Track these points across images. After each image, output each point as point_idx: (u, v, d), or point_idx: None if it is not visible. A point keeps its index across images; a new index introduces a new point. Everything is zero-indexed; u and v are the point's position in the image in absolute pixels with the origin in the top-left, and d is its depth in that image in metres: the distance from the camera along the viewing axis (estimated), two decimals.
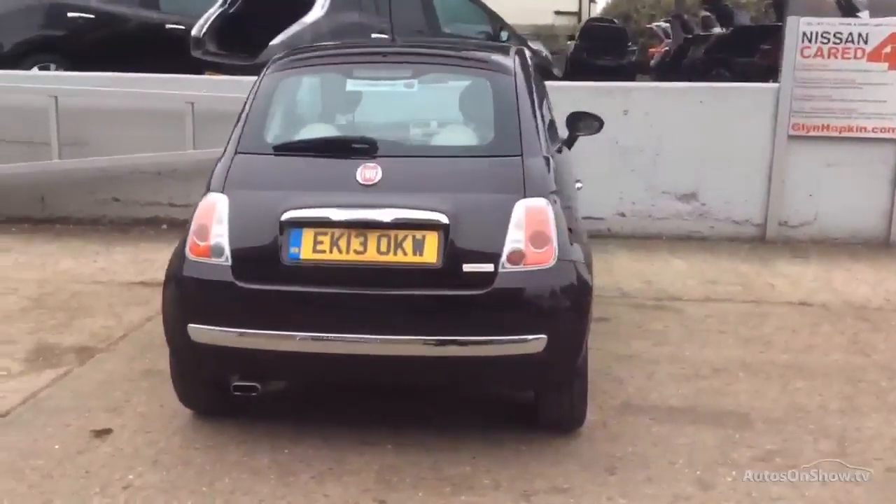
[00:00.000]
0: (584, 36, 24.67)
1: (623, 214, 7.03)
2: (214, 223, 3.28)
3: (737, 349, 4.63)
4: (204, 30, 8.32)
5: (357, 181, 3.27)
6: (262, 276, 3.22)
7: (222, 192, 3.36)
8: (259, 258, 3.24)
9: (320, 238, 3.21)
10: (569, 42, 26.48)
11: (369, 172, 3.29)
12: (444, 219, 3.19)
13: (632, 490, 3.19)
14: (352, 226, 3.20)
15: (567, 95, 6.92)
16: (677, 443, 3.55)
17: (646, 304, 5.42)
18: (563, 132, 4.51)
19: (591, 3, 39.51)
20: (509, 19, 10.79)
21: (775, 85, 6.89)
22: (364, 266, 3.19)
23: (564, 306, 3.28)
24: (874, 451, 3.50)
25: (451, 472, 3.28)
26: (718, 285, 5.82)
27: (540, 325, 3.22)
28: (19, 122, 7.21)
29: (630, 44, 24.58)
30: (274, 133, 3.52)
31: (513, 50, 3.91)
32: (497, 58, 3.71)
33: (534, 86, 3.76)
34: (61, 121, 6.97)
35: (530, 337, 3.19)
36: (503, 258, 3.18)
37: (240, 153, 3.48)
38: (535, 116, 3.58)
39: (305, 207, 3.24)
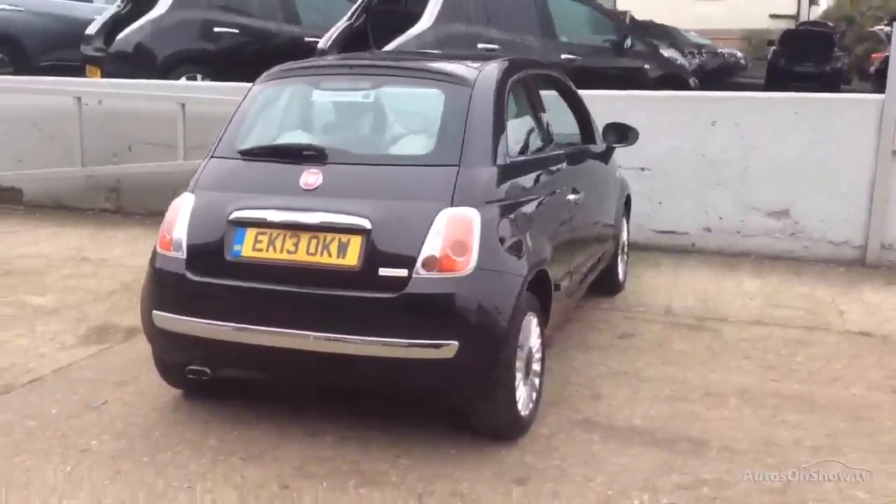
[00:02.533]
0: (783, 41, 23.47)
1: (709, 230, 6.76)
2: (178, 220, 3.62)
3: (748, 376, 4.39)
4: (329, 42, 8.84)
5: (299, 186, 3.49)
6: (209, 270, 3.53)
7: (192, 192, 3.71)
8: (208, 253, 3.54)
9: (260, 237, 3.47)
10: (769, 47, 25.26)
11: (311, 178, 3.50)
12: (366, 224, 3.34)
13: (530, 503, 3.18)
14: (286, 227, 3.44)
15: (656, 105, 6.79)
16: (611, 462, 3.47)
17: (684, 322, 5.23)
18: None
19: (812, 6, 37.30)
20: (720, 24, 10.24)
21: (880, 96, 6.35)
22: (294, 265, 3.41)
23: (477, 315, 3.32)
24: (814, 493, 3.26)
25: (367, 467, 3.42)
26: (780, 309, 5.49)
27: (451, 332, 3.28)
28: (157, 127, 8.04)
29: (836, 49, 23.10)
30: (244, 139, 3.81)
31: (491, 63, 3.96)
32: (459, 69, 3.79)
33: (506, 98, 3.80)
34: (188, 125, 7.70)
35: (441, 343, 3.27)
36: (418, 264, 3.28)
37: (214, 157, 3.81)
38: (488, 127, 3.62)
39: (249, 208, 3.51)
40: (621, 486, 3.28)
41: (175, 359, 3.76)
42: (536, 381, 3.79)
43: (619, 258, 5.74)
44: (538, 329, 3.76)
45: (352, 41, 8.83)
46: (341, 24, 8.96)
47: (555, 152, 4.31)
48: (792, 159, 6.49)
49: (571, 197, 4.28)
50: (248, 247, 3.47)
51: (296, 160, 3.59)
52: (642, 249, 6.83)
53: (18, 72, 10.41)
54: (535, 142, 4.19)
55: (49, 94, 8.29)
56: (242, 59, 9.21)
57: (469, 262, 3.30)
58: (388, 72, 3.88)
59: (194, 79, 9.14)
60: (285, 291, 3.40)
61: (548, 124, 4.34)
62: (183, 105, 7.65)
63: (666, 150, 6.72)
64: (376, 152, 3.74)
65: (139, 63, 8.97)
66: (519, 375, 3.56)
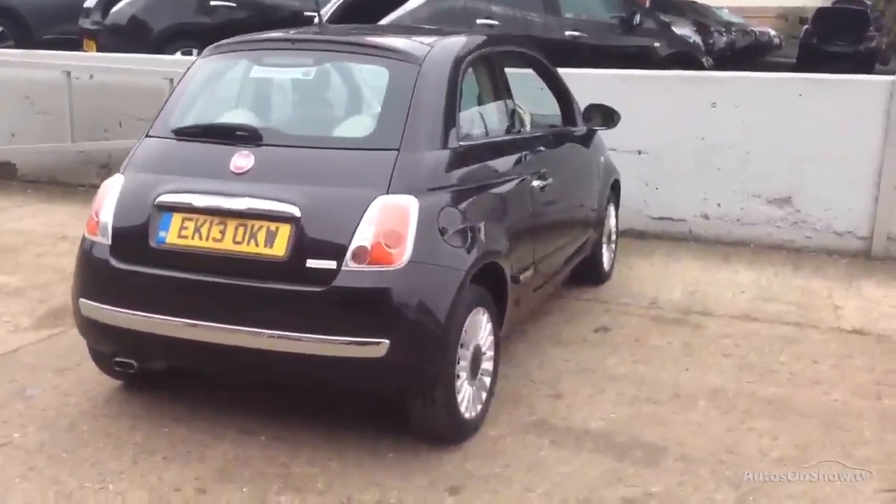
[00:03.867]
0: (816, 19, 22.75)
1: (707, 217, 6.45)
2: (105, 203, 3.42)
3: (724, 376, 4.12)
4: (328, 16, 8.59)
5: (229, 169, 3.27)
6: (133, 258, 3.32)
7: (122, 173, 3.50)
8: (133, 240, 3.34)
9: (186, 223, 3.25)
10: (802, 26, 24.52)
11: (242, 161, 3.27)
12: (296, 211, 3.11)
13: None
14: (212, 213, 3.22)
15: (653, 85, 6.48)
16: (556, 471, 3.23)
17: (666, 316, 4.95)
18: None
19: None
20: (755, 1, 9.78)
21: (888, 78, 5.99)
22: (220, 254, 3.19)
23: (410, 311, 3.09)
24: None
25: (296, 471, 3.21)
26: (772, 303, 5.19)
27: (382, 329, 3.06)
28: (146, 102, 7.85)
29: (871, 28, 22.34)
30: (179, 118, 3.59)
31: (446, 39, 3.70)
32: (408, 45, 3.53)
33: (460, 77, 3.54)
34: None
35: (370, 340, 3.05)
36: (348, 256, 3.05)
37: (149, 136, 3.60)
38: (436, 109, 3.38)
39: (176, 192, 3.29)
40: (562, 498, 3.05)
41: (102, 349, 3.58)
42: (487, 380, 3.56)
43: (605, 246, 5.47)
44: (489, 325, 3.52)
45: (352, 14, 8.59)
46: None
47: (520, 136, 4.04)
48: (795, 144, 6.14)
49: (537, 183, 4.00)
50: (174, 233, 3.26)
51: (229, 141, 3.37)
52: (637, 237, 6.54)
53: (19, 45, 10.30)
54: (496, 125, 3.92)
55: (39, 68, 8.14)
56: (240, 34, 8.97)
57: (403, 255, 3.06)
58: (332, 47, 3.62)
59: (190, 53, 8.95)
60: (210, 282, 3.19)
61: (514, 106, 4.07)
62: (171, 80, 7.44)
63: (663, 132, 6.41)
64: (313, 134, 3.49)
65: (134, 37, 8.81)
66: (463, 375, 3.32)
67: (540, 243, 4.10)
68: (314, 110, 3.72)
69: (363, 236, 3.06)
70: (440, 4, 7.70)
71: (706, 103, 6.30)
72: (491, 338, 3.56)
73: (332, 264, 3.05)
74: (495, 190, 3.64)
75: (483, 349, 3.49)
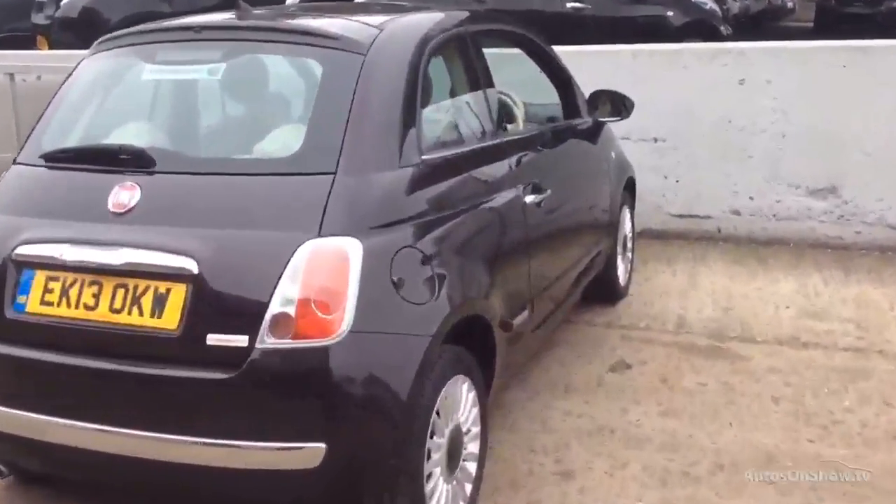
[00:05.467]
0: None
1: (737, 212, 5.54)
2: None
3: (776, 433, 3.24)
4: None
5: (108, 207, 2.41)
6: None
7: None
8: None
9: (51, 285, 2.40)
10: None
11: (124, 195, 2.41)
12: (192, 266, 2.25)
13: None
14: (83, 269, 2.37)
15: (669, 61, 5.56)
16: None
17: (698, 344, 4.07)
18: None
19: None
20: None
21: None
22: (93, 328, 2.34)
23: (354, 402, 2.23)
24: None
25: None
26: (824, 321, 4.30)
27: (315, 430, 2.20)
28: None
29: None
30: (53, 138, 2.73)
31: (401, 18, 2.82)
32: (349, 29, 2.62)
33: (421, 69, 2.66)
34: None
35: (299, 446, 2.19)
36: (264, 327, 2.19)
37: (16, 163, 2.75)
38: (388, 113, 2.51)
39: (36, 241, 2.44)
40: None
41: None
42: (472, 466, 2.70)
43: (620, 257, 4.59)
44: (473, 394, 2.66)
45: None
46: None
47: (506, 138, 3.15)
48: (841, 124, 5.21)
49: (531, 199, 3.12)
50: (36, 298, 2.40)
51: (109, 168, 2.50)
52: (656, 237, 5.65)
53: None
54: (475, 126, 3.03)
55: None
56: None
57: (341, 322, 2.19)
58: (247, 36, 2.68)
59: None
60: (80, 367, 2.33)
61: (501, 99, 3.18)
62: None
63: (683, 115, 5.49)
64: (219, 155, 2.62)
65: (87, 31, 7.92)
66: (436, 472, 2.47)
67: (538, 273, 3.23)
68: (222, 122, 2.84)
69: (285, 298, 2.19)
70: None
71: (732, 80, 5.38)
72: (476, 409, 2.70)
73: (242, 340, 2.19)
74: (474, 215, 2.76)
75: (465, 427, 2.63)
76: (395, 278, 2.30)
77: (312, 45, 2.57)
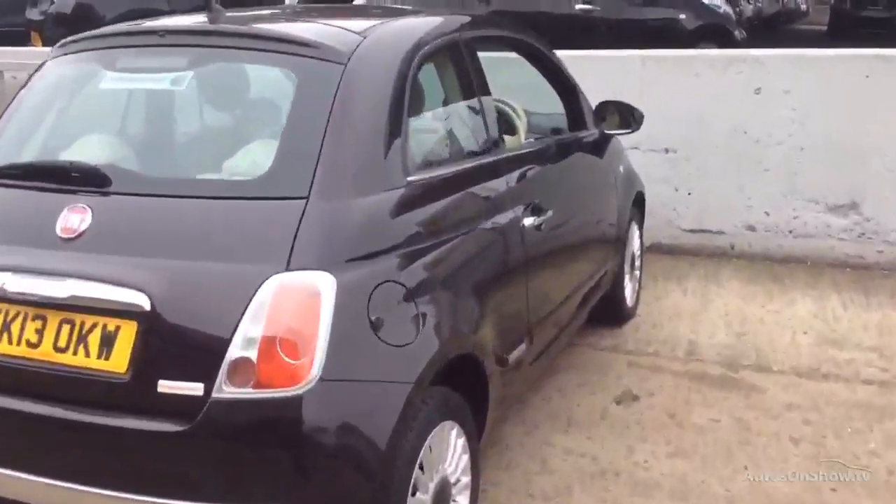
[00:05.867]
0: None
1: (752, 228, 5.26)
2: None
3: (796, 482, 2.97)
4: None
5: (56, 231, 2.16)
6: None
7: None
8: None
9: None
10: None
11: (73, 218, 2.15)
12: (144, 301, 2.00)
13: None
14: (27, 302, 2.11)
15: (681, 67, 5.29)
16: None
17: (710, 373, 3.80)
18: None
19: None
20: None
21: None
22: (34, 368, 2.09)
23: (323, 460, 1.97)
24: None
25: None
26: (844, 349, 4.02)
27: (280, 491, 1.95)
28: None
29: None
30: (7, 151, 2.47)
31: (387, 24, 2.55)
32: (328, 36, 2.35)
33: (409, 80, 2.40)
34: None
35: None
36: (222, 373, 1.93)
37: None
38: (371, 130, 2.25)
39: None
40: None
41: None
42: None
43: (628, 276, 4.33)
44: (462, 441, 2.40)
45: None
46: None
47: (502, 155, 2.88)
48: (862, 136, 4.93)
49: (530, 221, 2.85)
50: None
51: (59, 187, 2.25)
52: (667, 253, 5.38)
53: None
54: (466, 144, 2.76)
55: None
56: None
57: (310, 369, 1.94)
58: (216, 42, 2.39)
59: None
60: (19, 412, 2.08)
61: (494, 114, 2.91)
62: None
63: (696, 125, 5.22)
64: (180, 175, 2.35)
65: (81, 27, 7.68)
66: None
67: (538, 300, 2.97)
68: (185, 139, 2.58)
69: (246, 341, 1.94)
70: None
71: (748, 89, 5.10)
72: (466, 457, 2.44)
73: (196, 388, 1.94)
74: (465, 242, 2.49)
75: (454, 478, 2.37)
76: (373, 317, 2.04)
77: (287, 53, 2.31)
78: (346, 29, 2.43)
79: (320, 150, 2.13)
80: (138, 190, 2.21)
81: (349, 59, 2.29)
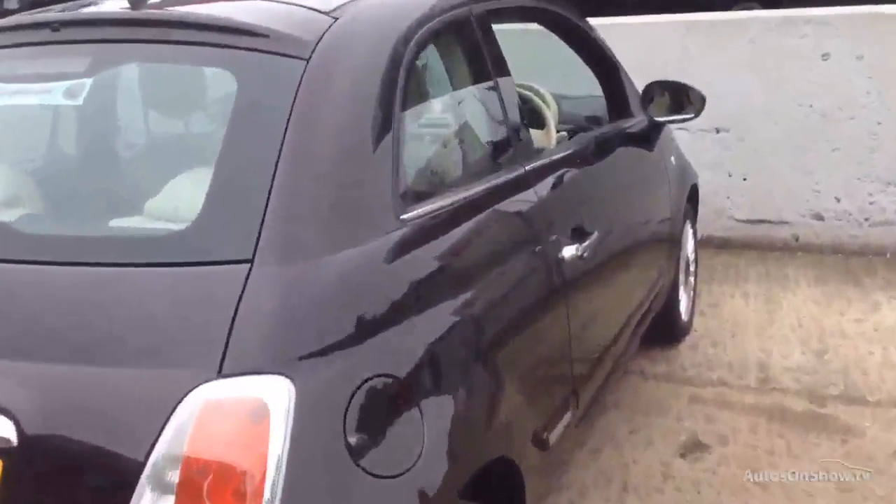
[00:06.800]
0: None
1: (820, 217, 4.55)
2: None
3: None
4: None
5: None
6: None
7: None
8: None
9: None
10: None
11: None
12: (9, 431, 1.35)
13: None
14: None
15: (732, 33, 4.56)
16: None
17: (792, 409, 3.12)
18: None
19: None
20: None
21: None
22: None
23: None
24: None
25: None
26: None
27: None
28: None
29: None
30: None
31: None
32: (281, 16, 1.68)
33: (400, 75, 1.72)
34: None
35: None
36: None
37: None
38: (343, 154, 1.58)
39: None
40: None
41: None
42: None
43: (683, 286, 3.64)
44: None
45: None
46: None
47: (531, 165, 2.17)
48: None
49: (570, 251, 2.15)
50: None
51: None
52: (720, 247, 4.70)
53: None
54: (482, 157, 2.07)
55: None
56: None
57: None
58: (129, 34, 1.68)
59: None
60: None
61: (516, 110, 2.21)
62: None
63: (750, 100, 4.51)
64: (67, 231, 1.66)
65: None
66: None
67: (583, 352, 2.30)
68: (78, 176, 1.90)
69: (159, 484, 1.29)
70: None
71: (814, 55, 4.38)
72: None
73: None
74: (486, 298, 1.80)
75: None
76: (352, 438, 1.38)
77: (225, 46, 1.62)
78: (309, 7, 1.74)
79: (271, 187, 1.47)
80: (6, 255, 1.54)
81: (313, 51, 1.61)
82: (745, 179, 4.63)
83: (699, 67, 4.39)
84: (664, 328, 3.57)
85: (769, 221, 4.63)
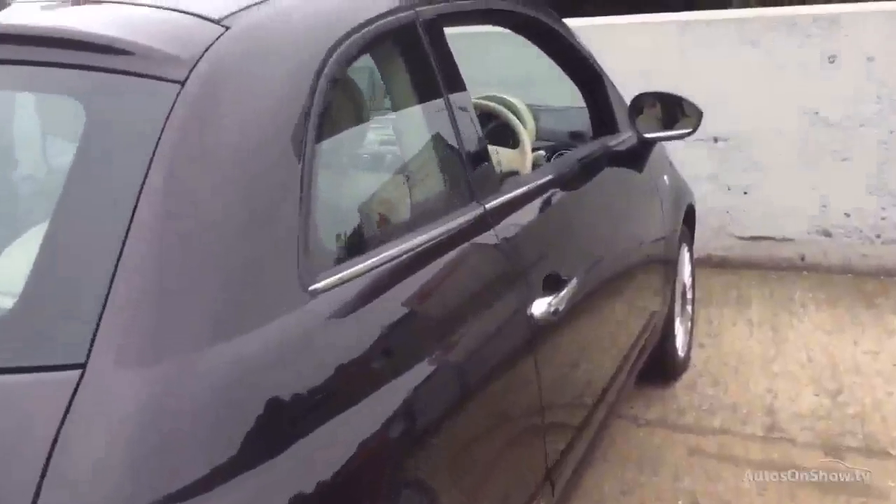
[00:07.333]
0: None
1: (827, 234, 4.17)
2: None
3: None
4: None
5: None
6: None
7: None
8: None
9: None
10: None
11: None
12: None
13: None
14: None
15: (731, 33, 4.17)
16: None
17: (805, 464, 2.74)
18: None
19: None
20: None
21: None
22: None
23: None
24: None
25: None
26: None
27: None
28: None
29: None
30: None
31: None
32: (152, 29, 1.27)
33: (315, 103, 1.32)
34: None
35: None
36: None
37: None
38: (230, 205, 1.19)
39: None
40: None
41: None
42: None
43: (679, 318, 3.26)
44: None
45: None
46: None
47: (493, 202, 1.77)
48: None
49: (542, 306, 1.74)
50: None
51: None
52: (718, 267, 4.32)
53: None
54: (425, 198, 1.68)
55: None
56: None
57: None
58: None
59: None
60: None
61: (476, 133, 1.81)
62: None
63: (752, 107, 4.13)
64: None
65: None
66: None
67: (559, 426, 1.92)
68: None
69: None
70: None
71: (820, 58, 4.00)
72: None
73: None
74: (424, 388, 1.39)
75: None
76: None
77: (73, 67, 1.23)
78: (193, 13, 1.34)
79: (119, 255, 1.07)
80: None
81: (190, 71, 1.21)
82: (745, 193, 4.24)
83: (695, 71, 4.03)
84: (660, 367, 3.19)
85: (772, 238, 4.24)
